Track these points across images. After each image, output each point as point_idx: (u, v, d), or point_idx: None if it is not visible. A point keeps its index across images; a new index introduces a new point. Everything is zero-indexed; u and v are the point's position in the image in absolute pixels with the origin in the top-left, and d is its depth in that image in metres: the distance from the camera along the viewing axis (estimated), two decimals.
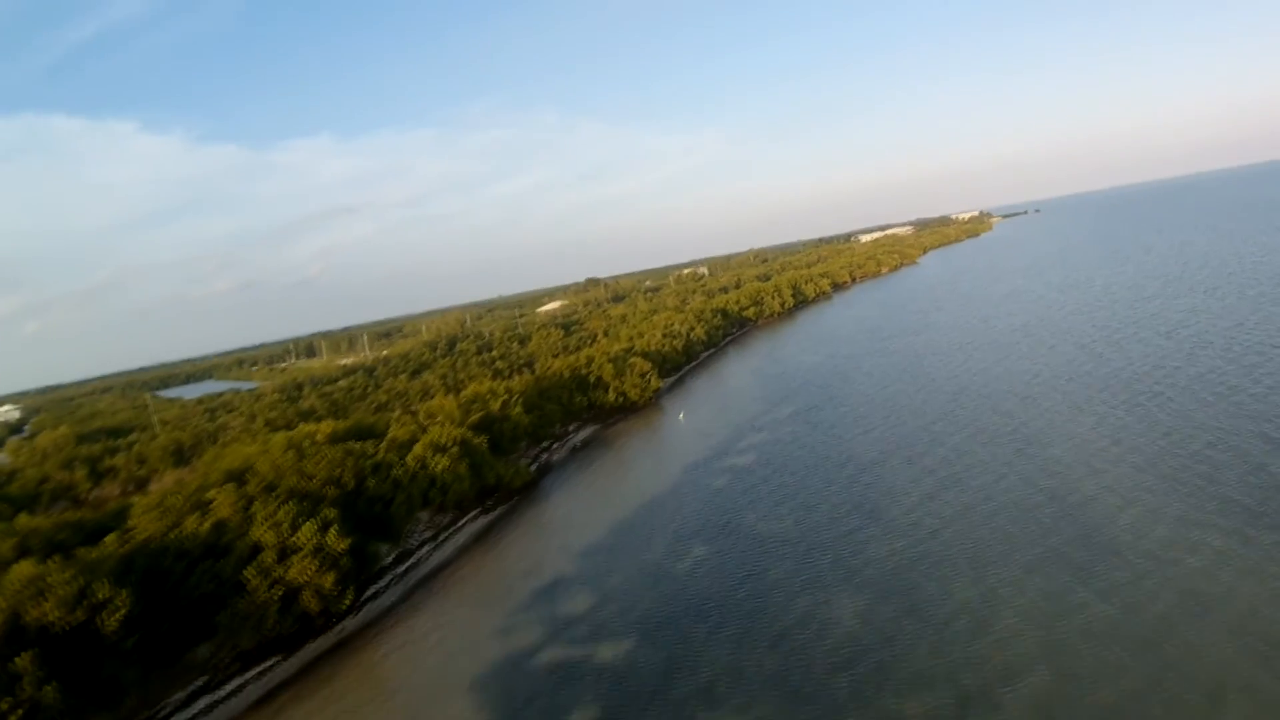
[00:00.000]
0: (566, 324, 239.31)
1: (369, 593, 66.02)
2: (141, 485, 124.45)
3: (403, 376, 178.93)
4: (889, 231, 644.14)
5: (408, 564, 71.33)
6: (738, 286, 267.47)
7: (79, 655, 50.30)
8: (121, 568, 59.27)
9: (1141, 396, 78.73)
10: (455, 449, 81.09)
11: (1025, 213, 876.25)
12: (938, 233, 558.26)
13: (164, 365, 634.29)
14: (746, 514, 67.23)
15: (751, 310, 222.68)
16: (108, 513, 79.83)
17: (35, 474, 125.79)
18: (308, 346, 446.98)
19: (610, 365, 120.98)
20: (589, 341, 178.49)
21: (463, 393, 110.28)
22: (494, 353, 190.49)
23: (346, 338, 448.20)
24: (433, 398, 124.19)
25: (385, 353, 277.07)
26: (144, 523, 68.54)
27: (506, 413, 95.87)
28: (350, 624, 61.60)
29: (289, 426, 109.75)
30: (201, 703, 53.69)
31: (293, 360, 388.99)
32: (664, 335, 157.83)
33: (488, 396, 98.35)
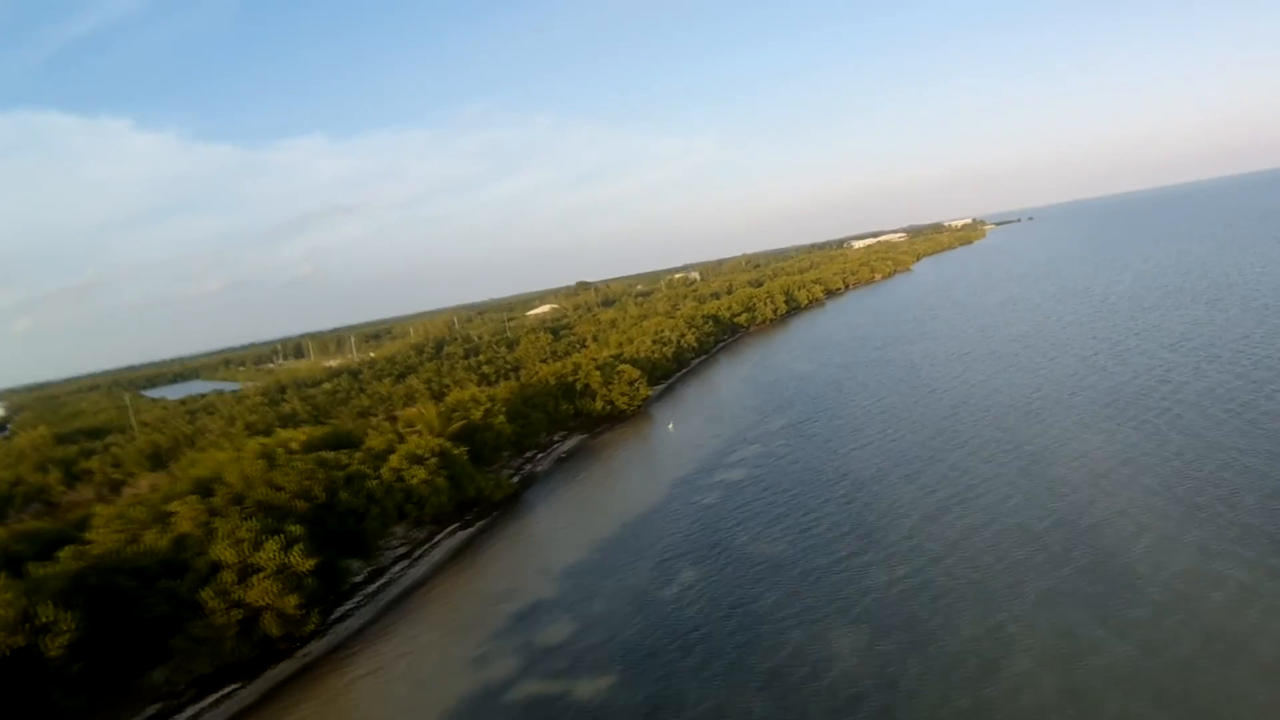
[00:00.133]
0: (556, 328, 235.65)
1: (337, 614, 62.41)
2: (117, 489, 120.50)
3: (387, 380, 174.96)
4: (882, 238, 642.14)
5: (380, 582, 67.74)
6: (730, 292, 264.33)
7: (18, 682, 46.85)
8: (71, 586, 55.67)
9: (1150, 413, 75.61)
10: (433, 460, 77.59)
11: (1018, 220, 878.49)
12: (931, 240, 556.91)
13: (152, 364, 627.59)
14: (737, 534, 63.82)
15: (744, 317, 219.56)
16: (70, 521, 76.26)
17: (9, 476, 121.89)
18: (296, 347, 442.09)
19: (598, 372, 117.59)
20: (578, 347, 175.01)
21: (445, 399, 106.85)
22: (481, 357, 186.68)
23: (335, 339, 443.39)
24: (416, 403, 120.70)
25: (372, 355, 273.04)
26: (103, 535, 65.05)
27: (489, 421, 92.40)
28: (316, 648, 57.99)
29: (268, 431, 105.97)
30: None
31: (280, 361, 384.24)
32: (654, 341, 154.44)
33: (469, 404, 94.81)
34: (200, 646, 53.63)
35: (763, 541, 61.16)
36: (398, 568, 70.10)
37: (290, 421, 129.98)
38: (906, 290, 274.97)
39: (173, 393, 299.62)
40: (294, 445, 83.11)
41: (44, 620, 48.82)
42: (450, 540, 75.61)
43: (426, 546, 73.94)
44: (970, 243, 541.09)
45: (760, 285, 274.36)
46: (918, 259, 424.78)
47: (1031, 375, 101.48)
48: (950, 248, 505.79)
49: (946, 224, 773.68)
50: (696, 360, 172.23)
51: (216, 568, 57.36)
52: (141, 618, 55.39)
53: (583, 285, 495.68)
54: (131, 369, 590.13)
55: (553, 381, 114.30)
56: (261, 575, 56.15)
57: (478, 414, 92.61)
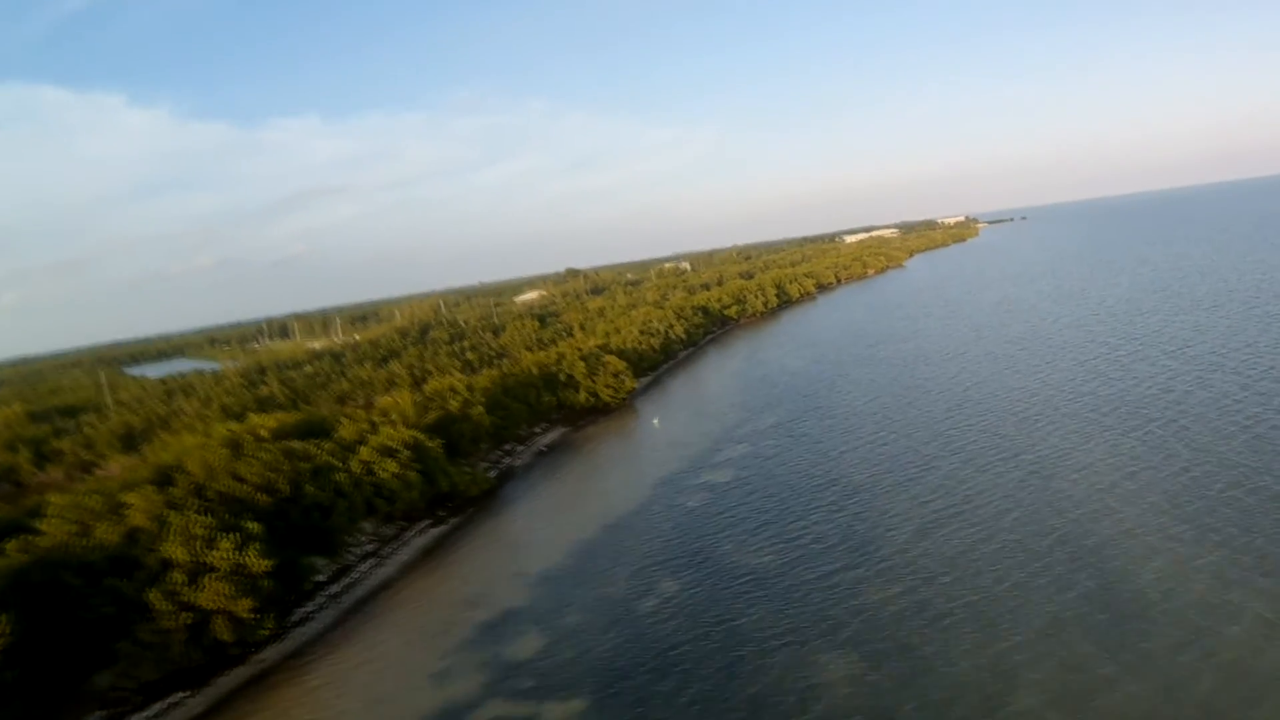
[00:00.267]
0: (543, 315, 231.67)
1: (297, 615, 58.95)
2: (88, 469, 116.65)
3: (369, 364, 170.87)
4: (875, 233, 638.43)
5: (345, 582, 64.28)
6: (720, 284, 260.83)
7: None
8: (12, 583, 52.24)
9: (1154, 424, 72.66)
10: (406, 453, 74.16)
11: (1011, 220, 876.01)
12: (924, 236, 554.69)
13: (139, 341, 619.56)
14: (721, 542, 60.61)
15: (734, 309, 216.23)
16: (24, 508, 72.56)
17: None
18: (282, 327, 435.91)
19: (583, 363, 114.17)
20: (565, 334, 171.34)
21: (425, 386, 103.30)
22: (466, 343, 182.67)
23: (322, 320, 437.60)
24: (397, 388, 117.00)
25: (356, 338, 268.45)
26: (54, 526, 61.28)
27: (467, 412, 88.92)
28: (272, 653, 54.59)
29: (242, 415, 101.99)
30: None
31: (265, 341, 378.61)
32: (641, 332, 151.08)
33: (447, 394, 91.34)
34: (147, 651, 50.26)
35: (747, 551, 57.99)
36: (364, 566, 66.68)
37: (267, 405, 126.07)
38: (899, 286, 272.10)
39: (155, 370, 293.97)
40: (264, 432, 79.57)
41: None
42: (421, 538, 72.17)
43: (396, 544, 70.52)
44: (963, 240, 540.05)
45: (751, 277, 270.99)
46: (910, 255, 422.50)
47: (1028, 379, 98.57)
48: (943, 245, 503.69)
49: (939, 221, 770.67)
50: (684, 352, 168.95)
51: (168, 566, 53.95)
52: (86, 619, 51.99)
53: (572, 272, 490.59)
54: (118, 345, 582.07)
55: (535, 371, 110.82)
56: (214, 576, 52.72)
57: (456, 404, 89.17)
